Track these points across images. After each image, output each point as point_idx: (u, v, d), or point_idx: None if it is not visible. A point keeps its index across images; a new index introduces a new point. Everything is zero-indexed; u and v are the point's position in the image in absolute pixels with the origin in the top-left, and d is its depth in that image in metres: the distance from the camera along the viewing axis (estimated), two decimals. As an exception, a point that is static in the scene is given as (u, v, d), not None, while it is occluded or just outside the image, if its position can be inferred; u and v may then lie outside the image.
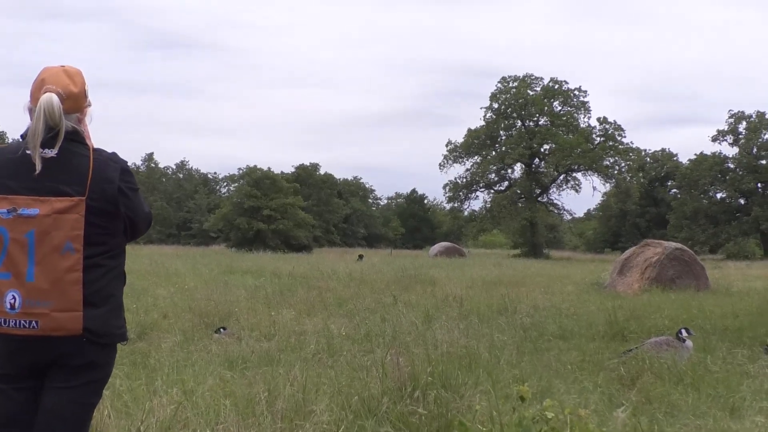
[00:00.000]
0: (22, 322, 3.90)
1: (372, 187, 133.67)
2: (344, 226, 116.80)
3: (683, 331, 12.01)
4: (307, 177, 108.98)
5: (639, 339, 13.42)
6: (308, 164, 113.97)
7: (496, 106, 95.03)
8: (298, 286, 24.72)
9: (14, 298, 3.90)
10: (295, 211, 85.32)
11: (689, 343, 11.73)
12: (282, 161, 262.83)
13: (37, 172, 3.98)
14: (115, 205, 4.12)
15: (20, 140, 4.19)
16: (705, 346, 12.37)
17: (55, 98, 4.05)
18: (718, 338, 13.46)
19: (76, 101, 4.19)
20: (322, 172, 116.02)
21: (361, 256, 54.06)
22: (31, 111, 4.17)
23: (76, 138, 4.13)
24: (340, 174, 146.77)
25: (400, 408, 7.02)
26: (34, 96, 4.14)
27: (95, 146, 4.20)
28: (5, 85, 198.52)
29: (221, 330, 13.74)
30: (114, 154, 4.25)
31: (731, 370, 9.93)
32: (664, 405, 8.25)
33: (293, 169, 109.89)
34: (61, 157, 4.04)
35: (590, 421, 5.97)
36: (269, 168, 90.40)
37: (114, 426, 6.21)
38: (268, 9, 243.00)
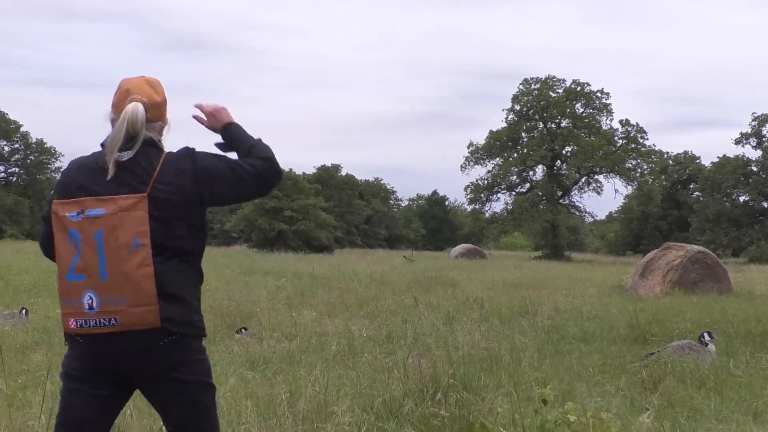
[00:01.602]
0: (102, 320, 3.97)
1: (393, 189, 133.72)
2: (365, 227, 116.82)
3: (705, 335, 11.96)
4: (328, 178, 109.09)
5: (661, 342, 13.37)
6: (330, 165, 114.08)
7: (518, 107, 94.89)
8: (319, 286, 24.75)
9: (91, 298, 3.98)
10: (317, 212, 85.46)
11: (712, 347, 11.68)
12: (303, 162, 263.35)
13: (110, 176, 4.09)
14: (190, 194, 4.16)
15: (100, 149, 4.29)
16: (728, 350, 12.32)
17: (140, 107, 4.17)
18: (740, 342, 13.39)
19: (158, 110, 4.33)
20: (343, 173, 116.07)
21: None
22: (113, 121, 4.29)
23: (153, 144, 4.23)
24: (361, 175, 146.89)
25: (421, 410, 7.02)
26: (118, 106, 4.26)
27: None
28: (28, 85, 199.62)
29: (243, 330, 13.77)
30: (190, 152, 4.30)
31: (754, 375, 9.89)
32: (686, 409, 8.22)
33: (315, 170, 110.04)
34: (132, 160, 4.14)
35: (612, 424, 5.95)
36: (291, 169, 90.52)
37: (137, 426, 6.22)
38: (286, 11, 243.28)
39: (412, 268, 36.36)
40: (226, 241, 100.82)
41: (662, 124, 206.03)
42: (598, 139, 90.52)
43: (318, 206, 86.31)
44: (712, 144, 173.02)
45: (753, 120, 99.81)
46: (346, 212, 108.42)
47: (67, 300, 4.06)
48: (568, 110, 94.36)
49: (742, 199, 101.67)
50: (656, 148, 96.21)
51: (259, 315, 16.39)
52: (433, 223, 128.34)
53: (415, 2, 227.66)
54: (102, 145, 4.27)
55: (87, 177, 4.17)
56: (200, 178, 4.18)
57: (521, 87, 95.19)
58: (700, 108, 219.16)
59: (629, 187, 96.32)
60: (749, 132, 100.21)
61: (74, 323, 4.02)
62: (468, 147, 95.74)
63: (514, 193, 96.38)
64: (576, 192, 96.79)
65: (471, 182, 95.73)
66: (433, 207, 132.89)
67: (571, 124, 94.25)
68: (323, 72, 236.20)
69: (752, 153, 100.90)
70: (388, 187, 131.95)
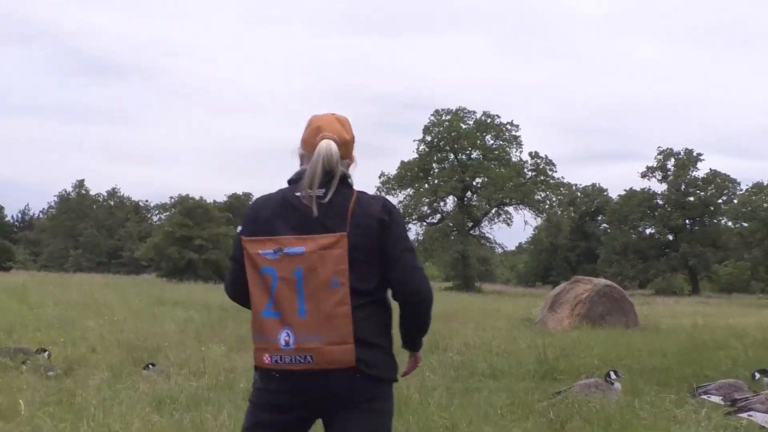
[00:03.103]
0: (297, 357, 3.99)
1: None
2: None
3: (612, 373, 12.10)
4: (239, 206, 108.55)
5: (569, 379, 13.48)
6: (241, 193, 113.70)
7: (429, 138, 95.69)
8: (229, 319, 24.55)
9: (288, 335, 4.00)
10: (228, 241, 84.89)
11: (617, 385, 11.82)
12: (214, 189, 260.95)
13: (315, 214, 4.13)
14: (379, 240, 4.19)
15: (287, 186, 4.36)
16: (633, 388, 12.46)
17: (333, 145, 4.23)
18: (645, 380, 13.54)
19: (347, 148, 4.37)
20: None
21: None
22: (302, 157, 4.43)
23: (344, 182, 4.27)
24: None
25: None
26: (309, 142, 4.35)
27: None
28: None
29: (150, 366, 13.56)
30: (377, 195, 4.40)
31: (658, 414, 10.01)
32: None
33: (226, 198, 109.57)
34: (325, 197, 4.17)
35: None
36: (201, 197, 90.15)
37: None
38: (197, 36, 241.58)
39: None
40: (136, 269, 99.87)
41: (570, 156, 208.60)
42: (508, 171, 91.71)
43: (229, 235, 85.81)
44: (619, 177, 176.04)
45: (658, 154, 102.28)
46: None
47: (262, 335, 4.09)
48: (479, 142, 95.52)
49: (648, 231, 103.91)
50: (564, 181, 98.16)
51: (167, 349, 16.16)
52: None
53: (327, 29, 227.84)
54: (289, 181, 4.36)
55: (280, 215, 4.23)
56: (386, 234, 4.21)
57: (432, 118, 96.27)
58: (607, 141, 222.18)
59: (538, 219, 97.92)
60: (655, 165, 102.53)
61: (269, 359, 4.06)
62: (379, 177, 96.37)
63: (425, 223, 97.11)
64: (486, 223, 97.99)
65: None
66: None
67: (481, 156, 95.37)
68: (234, 98, 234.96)
69: (658, 186, 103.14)
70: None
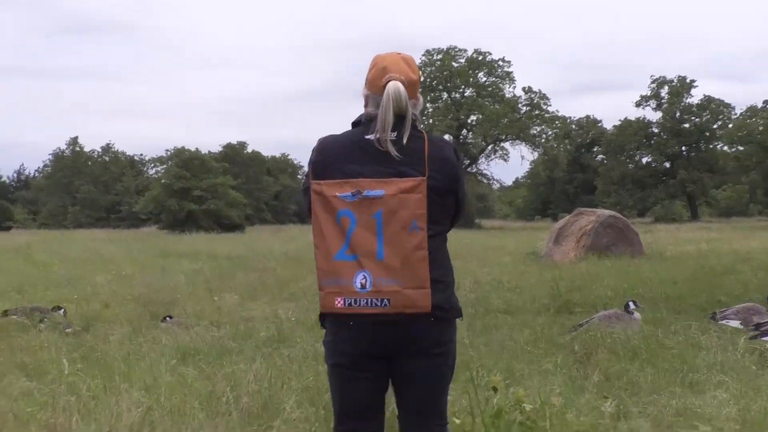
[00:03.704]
0: (374, 300, 3.97)
1: (300, 164, 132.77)
2: (275, 204, 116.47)
3: (631, 303, 12.12)
4: (234, 155, 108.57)
5: (586, 312, 13.51)
6: (236, 143, 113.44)
7: (421, 79, 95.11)
8: (237, 268, 24.61)
9: (365, 278, 3.97)
10: (226, 191, 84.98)
11: (637, 315, 11.85)
12: (209, 141, 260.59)
13: (395, 158, 4.07)
14: (454, 184, 4.19)
15: (352, 128, 4.30)
16: (653, 318, 12.50)
17: (401, 87, 4.15)
18: (664, 308, 13.59)
19: (414, 88, 4.29)
20: (249, 150, 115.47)
21: None
22: (367, 98, 4.33)
23: (413, 124, 4.19)
24: (267, 152, 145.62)
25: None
26: (374, 83, 4.26)
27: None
28: None
29: (167, 319, 13.56)
30: (442, 137, 4.34)
31: (684, 343, 10.02)
32: (623, 382, 8.29)
33: (221, 148, 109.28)
34: (399, 140, 4.11)
35: (567, 409, 6.00)
36: (197, 149, 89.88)
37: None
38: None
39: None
40: (135, 223, 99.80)
41: (563, 89, 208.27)
42: (503, 107, 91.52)
43: (227, 185, 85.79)
44: (614, 108, 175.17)
45: (652, 82, 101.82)
46: (255, 189, 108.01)
47: (334, 279, 4.04)
48: (472, 79, 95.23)
49: (645, 160, 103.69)
50: (559, 114, 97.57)
51: (180, 301, 16.18)
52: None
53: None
54: (354, 124, 4.29)
55: (354, 158, 4.15)
56: (458, 176, 4.24)
57: (423, 58, 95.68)
58: (599, 72, 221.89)
59: (535, 153, 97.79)
60: (649, 94, 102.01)
61: (341, 302, 4.02)
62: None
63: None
64: (483, 160, 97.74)
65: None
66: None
67: (475, 93, 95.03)
68: (221, 51, 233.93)
69: (653, 115, 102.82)
70: (295, 162, 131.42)
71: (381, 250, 3.98)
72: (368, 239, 3.99)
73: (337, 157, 4.17)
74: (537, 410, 5.71)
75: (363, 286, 3.97)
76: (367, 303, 3.98)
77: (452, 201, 4.24)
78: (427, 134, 4.20)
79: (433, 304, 4.00)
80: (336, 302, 4.04)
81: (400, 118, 4.13)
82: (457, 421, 5.78)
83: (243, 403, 6.92)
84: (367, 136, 4.16)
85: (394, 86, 4.13)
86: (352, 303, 4.00)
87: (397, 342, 4.12)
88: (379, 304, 3.97)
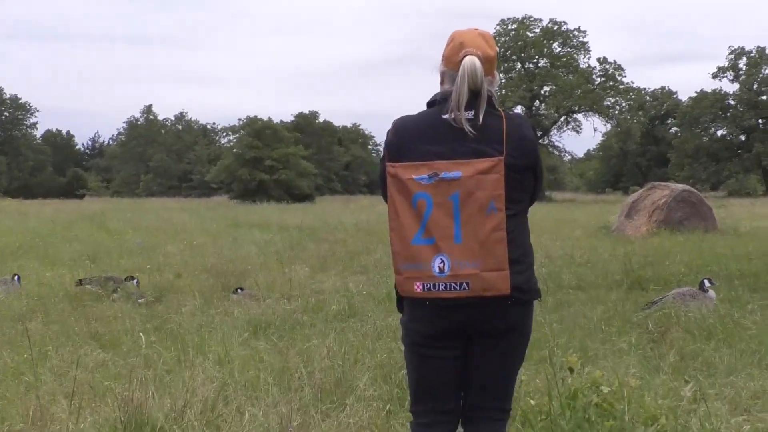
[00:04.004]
0: (452, 284, 3.95)
1: (371, 134, 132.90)
2: (345, 174, 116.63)
3: (705, 281, 11.92)
4: (306, 125, 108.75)
5: (659, 289, 13.34)
6: (307, 112, 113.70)
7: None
8: (307, 239, 24.69)
9: (443, 261, 3.95)
10: (297, 161, 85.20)
11: (712, 293, 11.66)
12: (281, 111, 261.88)
13: (472, 137, 4.02)
14: (533, 161, 4.15)
15: (427, 108, 4.25)
16: (729, 296, 12.29)
17: (477, 62, 4.08)
18: (739, 286, 13.35)
19: (491, 65, 4.22)
20: (321, 120, 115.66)
21: None
22: (443, 74, 4.28)
23: (490, 101, 4.13)
24: (339, 122, 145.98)
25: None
26: (451, 59, 4.21)
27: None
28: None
29: (239, 290, 13.66)
30: (519, 114, 4.36)
31: (760, 323, 9.84)
32: (699, 363, 8.18)
33: (293, 118, 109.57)
34: (476, 119, 4.06)
35: (645, 392, 5.93)
36: (269, 118, 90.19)
37: (158, 407, 6.12)
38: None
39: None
40: (206, 192, 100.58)
41: (638, 59, 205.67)
42: (577, 78, 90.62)
43: (298, 155, 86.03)
44: (689, 79, 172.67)
45: (729, 53, 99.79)
46: (326, 159, 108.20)
47: (412, 264, 4.01)
48: (546, 50, 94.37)
49: (720, 133, 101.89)
50: (634, 85, 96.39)
51: (252, 273, 16.27)
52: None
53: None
54: (429, 103, 4.24)
55: (429, 138, 4.10)
56: (536, 155, 4.20)
57: (498, 27, 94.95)
58: (675, 42, 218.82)
59: (608, 125, 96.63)
60: (726, 66, 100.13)
61: (420, 287, 4.00)
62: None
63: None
64: (555, 132, 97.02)
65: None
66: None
67: (549, 64, 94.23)
68: (293, 19, 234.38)
69: (729, 87, 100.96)
70: (366, 132, 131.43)
71: (458, 232, 3.94)
72: (445, 222, 3.95)
73: (412, 138, 4.12)
74: (614, 392, 5.63)
75: (441, 270, 3.94)
76: (446, 287, 3.95)
77: (530, 178, 4.18)
78: (504, 112, 4.13)
79: (513, 285, 3.95)
80: (416, 287, 4.01)
81: (474, 94, 4.05)
82: (533, 402, 5.72)
83: (316, 379, 6.93)
84: (443, 116, 4.09)
85: (470, 61, 4.06)
86: (431, 288, 3.97)
87: (474, 323, 4.09)
88: (458, 288, 3.93)
